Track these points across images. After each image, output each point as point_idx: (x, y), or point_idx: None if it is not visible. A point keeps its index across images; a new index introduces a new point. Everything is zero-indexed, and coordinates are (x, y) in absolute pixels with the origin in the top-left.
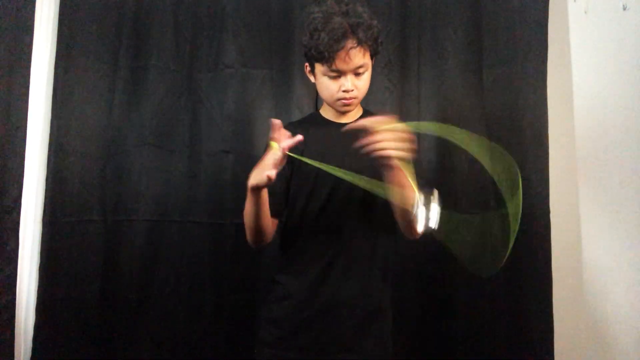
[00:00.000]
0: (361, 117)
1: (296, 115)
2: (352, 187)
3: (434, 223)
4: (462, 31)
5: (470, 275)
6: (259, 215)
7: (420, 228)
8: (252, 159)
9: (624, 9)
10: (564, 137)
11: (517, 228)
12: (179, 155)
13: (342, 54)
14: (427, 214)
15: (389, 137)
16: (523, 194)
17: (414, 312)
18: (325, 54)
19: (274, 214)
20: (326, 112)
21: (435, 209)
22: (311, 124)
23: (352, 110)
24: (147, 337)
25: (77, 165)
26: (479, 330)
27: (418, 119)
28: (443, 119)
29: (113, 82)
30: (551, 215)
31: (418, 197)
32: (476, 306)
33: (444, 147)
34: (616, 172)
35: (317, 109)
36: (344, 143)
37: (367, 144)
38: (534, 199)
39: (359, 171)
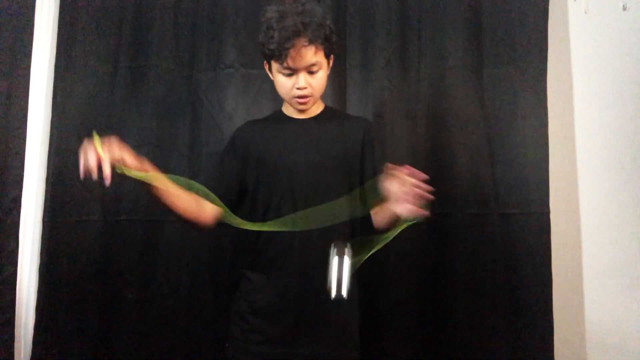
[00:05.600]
0: (322, 112)
1: None
2: (312, 178)
3: (345, 291)
4: (462, 31)
5: (470, 275)
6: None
7: (332, 294)
8: None
9: (624, 9)
10: (564, 137)
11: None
12: (179, 155)
13: (293, 52)
14: (339, 274)
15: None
16: (523, 193)
17: (414, 312)
18: (277, 52)
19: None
20: (287, 109)
21: (347, 266)
22: (273, 121)
23: (309, 107)
24: (147, 337)
25: (77, 165)
26: (479, 330)
27: (418, 119)
28: (443, 118)
29: (113, 82)
30: (551, 215)
31: (332, 249)
32: (476, 306)
33: (444, 147)
34: (616, 172)
35: None
36: (305, 138)
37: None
38: (534, 198)
39: (320, 164)
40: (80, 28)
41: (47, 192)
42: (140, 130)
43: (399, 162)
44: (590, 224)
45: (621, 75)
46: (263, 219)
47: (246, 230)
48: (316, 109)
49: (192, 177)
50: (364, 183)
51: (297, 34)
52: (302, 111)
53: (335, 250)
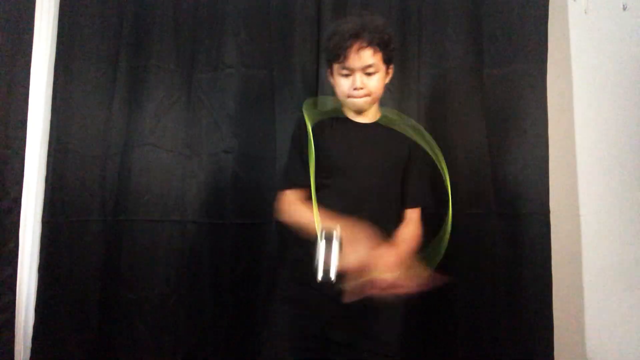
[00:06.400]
0: (380, 119)
1: (296, 115)
2: (366, 182)
3: (333, 274)
4: (462, 31)
5: (470, 275)
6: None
7: (319, 276)
8: (252, 159)
9: (624, 9)
10: (564, 137)
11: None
12: (179, 155)
13: (351, 52)
14: (326, 258)
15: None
16: (523, 193)
17: (414, 312)
18: (336, 53)
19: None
20: (347, 111)
21: (335, 250)
22: (333, 118)
23: (364, 107)
24: (147, 337)
25: (77, 165)
26: (479, 330)
27: (418, 119)
28: (443, 119)
29: (113, 82)
30: (551, 215)
31: (319, 231)
32: (476, 306)
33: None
34: (616, 171)
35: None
36: (360, 141)
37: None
38: (534, 198)
39: (373, 168)
40: (80, 28)
41: (47, 192)
42: (140, 130)
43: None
44: (590, 224)
45: (621, 75)
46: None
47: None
48: (375, 115)
49: (192, 177)
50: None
51: (356, 35)
52: (359, 112)
53: (323, 234)
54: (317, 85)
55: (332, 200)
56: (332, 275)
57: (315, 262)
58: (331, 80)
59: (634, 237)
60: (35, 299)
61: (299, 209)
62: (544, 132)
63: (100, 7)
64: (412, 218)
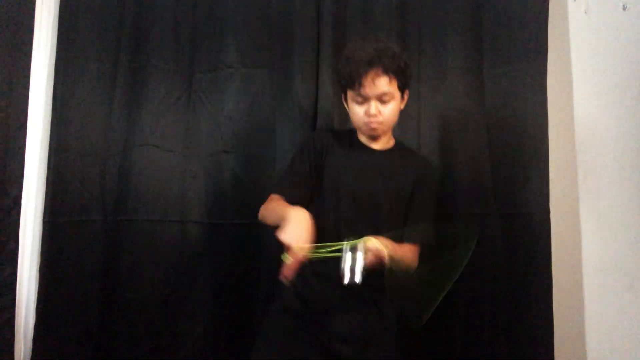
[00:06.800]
0: (393, 147)
1: (296, 116)
2: (371, 209)
3: (358, 277)
4: (462, 31)
5: (470, 275)
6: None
7: (345, 280)
8: (252, 159)
9: (624, 9)
10: (564, 137)
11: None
12: (179, 155)
13: (366, 80)
14: (352, 264)
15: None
16: (523, 193)
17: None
18: (352, 80)
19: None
20: (361, 136)
21: (360, 258)
22: (347, 141)
23: (379, 135)
24: (147, 337)
25: (77, 165)
26: (479, 330)
27: (418, 119)
28: (443, 119)
29: (113, 82)
30: (551, 215)
31: (345, 244)
32: (476, 306)
33: (444, 147)
34: (616, 172)
35: (316, 110)
36: (372, 169)
37: None
38: (534, 198)
39: (380, 196)
40: (80, 28)
41: (47, 192)
42: (140, 130)
43: None
44: (590, 224)
45: (621, 75)
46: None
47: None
48: (387, 142)
49: (192, 177)
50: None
51: (371, 63)
52: (373, 138)
53: (348, 247)
54: (317, 85)
55: (326, 219)
56: (357, 279)
57: (342, 268)
58: (345, 105)
59: (634, 237)
60: (35, 299)
61: (275, 203)
62: (544, 132)
63: (100, 7)
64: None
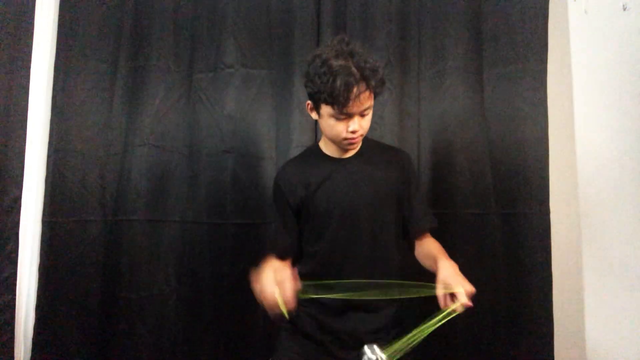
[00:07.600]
0: (361, 148)
1: (296, 116)
2: (358, 218)
3: None
4: (462, 31)
5: (470, 275)
6: None
7: None
8: (252, 159)
9: (624, 9)
10: (564, 137)
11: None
12: (179, 155)
13: (352, 99)
14: None
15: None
16: (523, 193)
17: (414, 311)
18: (334, 98)
19: (283, 258)
20: (327, 148)
21: (380, 355)
22: (313, 161)
23: (357, 147)
24: (147, 337)
25: (77, 165)
26: (479, 330)
27: (418, 119)
28: (443, 119)
29: (113, 82)
30: (551, 215)
31: (364, 348)
32: (476, 306)
33: (444, 147)
34: (616, 171)
35: None
36: (349, 178)
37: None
38: (534, 198)
39: (364, 203)
40: (80, 28)
41: (47, 192)
42: (140, 130)
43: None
44: (590, 224)
45: (621, 75)
46: (313, 262)
47: (304, 255)
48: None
49: (192, 177)
50: (405, 213)
51: (356, 82)
52: (346, 151)
53: (368, 350)
54: None
55: (325, 252)
56: None
57: None
58: (313, 115)
59: (634, 237)
60: (35, 299)
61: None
62: (544, 132)
63: (100, 7)
64: (428, 236)
